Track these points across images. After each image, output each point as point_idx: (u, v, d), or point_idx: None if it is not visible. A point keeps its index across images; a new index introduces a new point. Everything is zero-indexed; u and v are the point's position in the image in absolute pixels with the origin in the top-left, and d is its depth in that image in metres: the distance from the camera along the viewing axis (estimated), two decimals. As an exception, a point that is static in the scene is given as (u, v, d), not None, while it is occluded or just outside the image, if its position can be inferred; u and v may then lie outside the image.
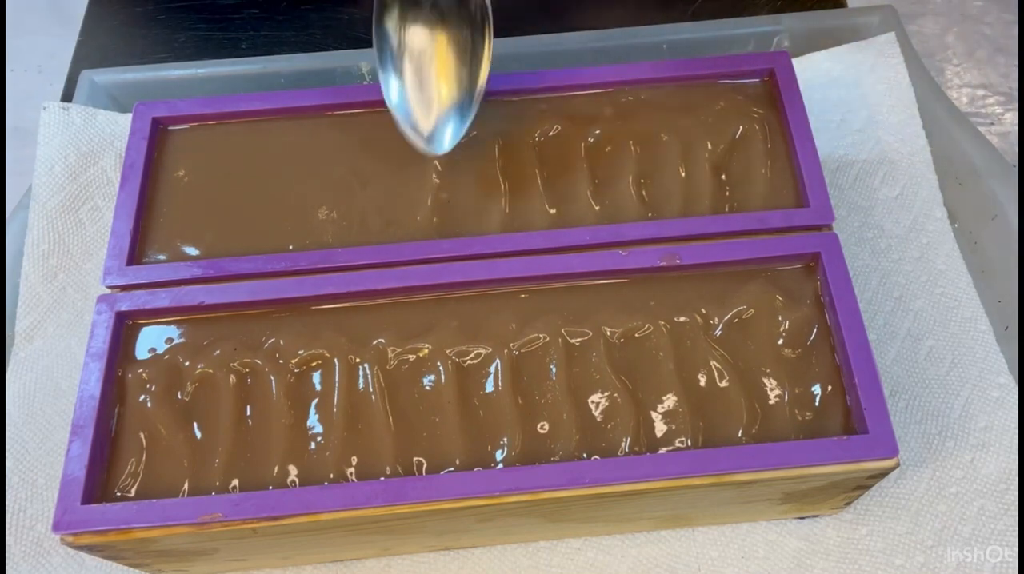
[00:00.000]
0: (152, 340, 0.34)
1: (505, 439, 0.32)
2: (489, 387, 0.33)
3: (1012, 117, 0.51)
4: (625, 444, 0.32)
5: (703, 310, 0.34)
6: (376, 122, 0.39)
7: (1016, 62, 0.52)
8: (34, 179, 0.44)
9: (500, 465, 0.32)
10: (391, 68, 0.33)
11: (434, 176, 0.38)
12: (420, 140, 0.34)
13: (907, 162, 0.44)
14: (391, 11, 0.34)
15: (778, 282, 0.35)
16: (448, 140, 0.35)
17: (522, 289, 0.35)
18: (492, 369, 0.33)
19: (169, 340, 0.34)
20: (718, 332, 0.34)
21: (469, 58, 0.33)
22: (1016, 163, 0.48)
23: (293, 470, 0.32)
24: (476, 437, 0.32)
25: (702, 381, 0.33)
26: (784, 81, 0.39)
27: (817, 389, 0.33)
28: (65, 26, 0.54)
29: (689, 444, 0.32)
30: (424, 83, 0.33)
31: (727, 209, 0.37)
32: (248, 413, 0.33)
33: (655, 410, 0.33)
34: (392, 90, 0.34)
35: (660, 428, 0.32)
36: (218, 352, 0.34)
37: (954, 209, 0.43)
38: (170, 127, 0.39)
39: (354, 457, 0.32)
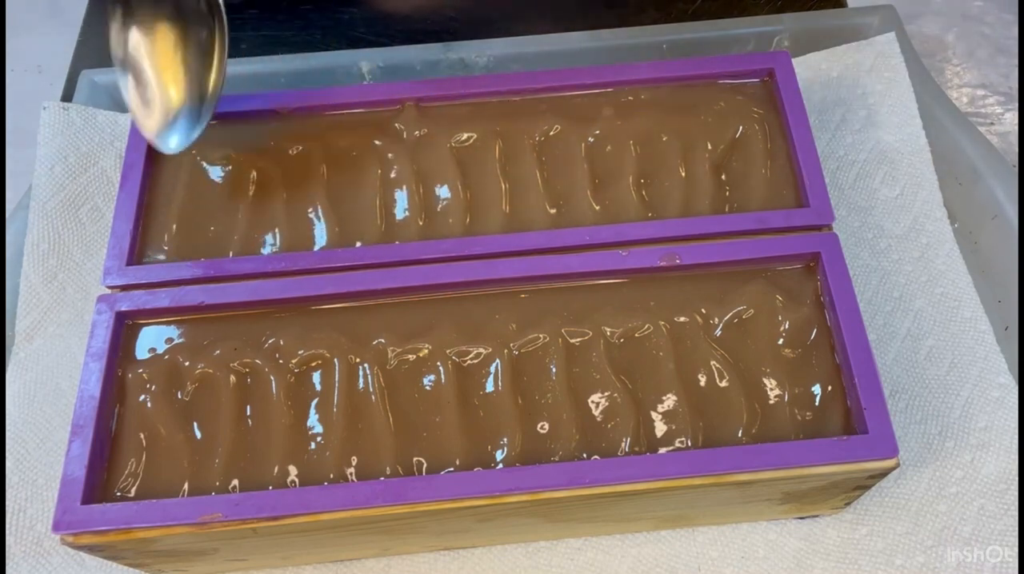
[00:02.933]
0: (152, 340, 0.34)
1: (505, 439, 0.32)
2: (489, 387, 0.33)
3: (1012, 117, 0.51)
4: (625, 444, 0.32)
5: (703, 310, 0.34)
6: (376, 122, 0.39)
7: (1016, 62, 0.52)
8: (34, 179, 0.44)
9: (500, 465, 0.32)
10: (122, 69, 0.33)
11: (434, 176, 0.38)
12: (152, 139, 0.33)
13: (907, 162, 0.44)
14: (117, 11, 0.33)
15: (778, 282, 0.35)
16: (175, 142, 0.33)
17: (522, 289, 0.35)
18: (492, 369, 0.33)
19: (169, 340, 0.34)
20: (718, 332, 0.34)
21: (201, 62, 0.33)
22: (1016, 163, 0.48)
23: (293, 470, 0.32)
24: (476, 437, 0.32)
25: (702, 381, 0.33)
26: (784, 81, 0.39)
27: (817, 389, 0.33)
28: (65, 26, 0.54)
29: (689, 444, 0.32)
30: (147, 85, 0.32)
31: (727, 209, 0.37)
32: (248, 413, 0.33)
33: (655, 410, 0.33)
34: (124, 90, 0.33)
35: (660, 428, 0.32)
36: (218, 352, 0.34)
37: (954, 209, 0.43)
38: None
39: (354, 457, 0.32)
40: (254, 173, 0.38)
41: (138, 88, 0.32)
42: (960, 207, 0.43)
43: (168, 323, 0.35)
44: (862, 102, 0.46)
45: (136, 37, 0.33)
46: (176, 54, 0.33)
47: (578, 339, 0.34)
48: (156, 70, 0.33)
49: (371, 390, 0.33)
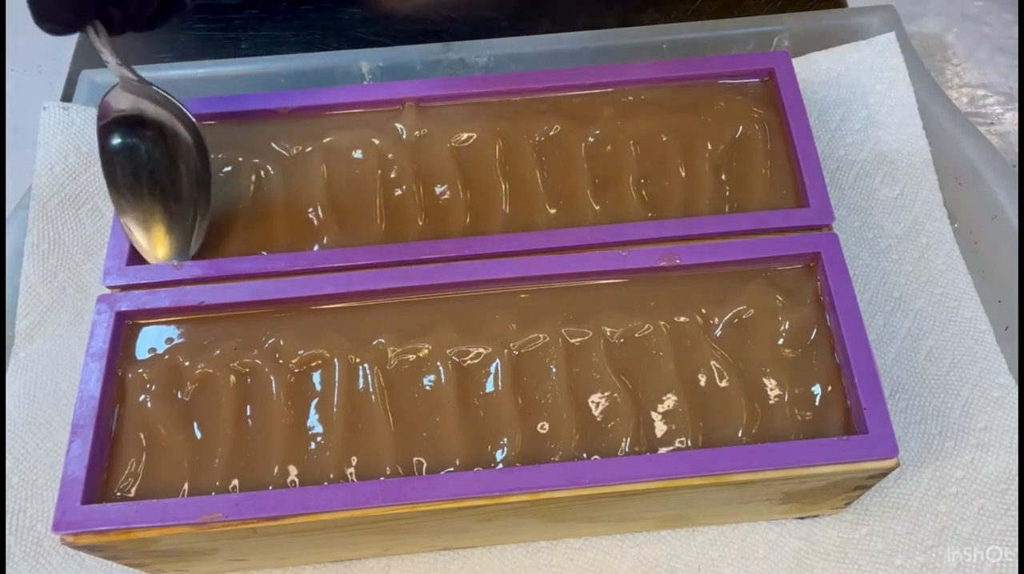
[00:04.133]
0: (152, 340, 0.34)
1: (505, 439, 0.32)
2: (489, 387, 0.33)
3: (1012, 117, 0.51)
4: (625, 444, 0.32)
5: (703, 310, 0.34)
6: (376, 122, 0.39)
7: (1016, 62, 0.52)
8: (34, 179, 0.44)
9: (500, 465, 0.32)
10: (118, 214, 0.36)
11: (434, 176, 0.38)
12: (150, 258, 0.36)
13: (907, 162, 0.44)
14: (105, 161, 0.35)
15: (778, 282, 0.35)
16: (176, 262, 0.36)
17: (522, 289, 0.35)
18: (492, 369, 0.33)
19: (169, 340, 0.34)
20: (718, 332, 0.34)
21: (191, 196, 0.36)
22: (1016, 163, 0.48)
23: (293, 470, 0.32)
24: (476, 437, 0.32)
25: (702, 381, 0.33)
26: (784, 81, 0.39)
27: (817, 389, 0.33)
28: (65, 26, 0.54)
29: (689, 444, 0.32)
30: (142, 236, 0.36)
31: (727, 209, 0.37)
32: (248, 413, 0.33)
33: (655, 410, 0.33)
34: (125, 227, 0.36)
35: (660, 428, 0.32)
36: (218, 352, 0.34)
37: (954, 209, 0.43)
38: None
39: (354, 457, 0.32)
40: (254, 173, 0.38)
41: (139, 234, 0.36)
42: (960, 207, 0.43)
43: (168, 323, 0.35)
44: (862, 102, 0.46)
45: (129, 192, 0.35)
46: (166, 205, 0.36)
47: (578, 339, 0.34)
48: (148, 225, 0.36)
49: (371, 390, 0.33)
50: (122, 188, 0.35)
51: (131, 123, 0.35)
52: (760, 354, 0.33)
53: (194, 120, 0.36)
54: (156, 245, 0.36)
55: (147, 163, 0.36)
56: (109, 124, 0.35)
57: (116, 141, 0.35)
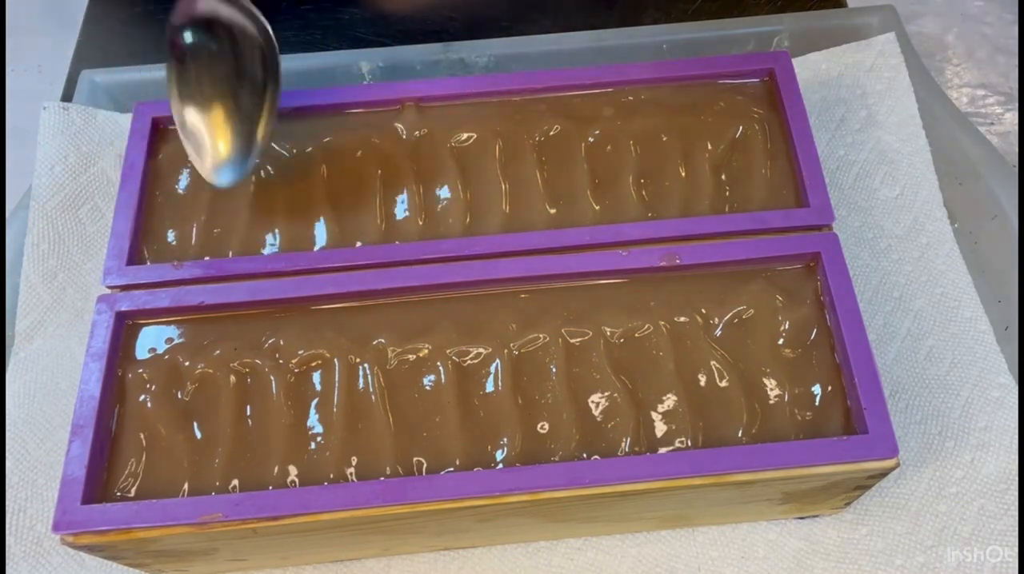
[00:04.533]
0: (152, 340, 0.34)
1: (505, 439, 0.32)
2: (489, 387, 0.33)
3: (1012, 117, 0.51)
4: (625, 444, 0.32)
5: (703, 310, 0.34)
6: (376, 122, 0.39)
7: (1016, 62, 0.52)
8: (34, 179, 0.44)
9: (500, 465, 0.32)
10: (176, 113, 0.35)
11: (434, 176, 0.38)
12: (207, 177, 0.36)
13: (907, 162, 0.44)
14: (172, 58, 0.35)
15: (778, 282, 0.35)
16: (226, 182, 0.35)
17: (522, 289, 0.35)
18: (492, 369, 0.33)
19: (169, 340, 0.34)
20: (718, 332, 0.34)
21: (252, 105, 0.36)
22: (1016, 163, 0.48)
23: (293, 470, 0.32)
24: (476, 437, 0.32)
25: (702, 381, 0.33)
26: (784, 81, 0.39)
27: (817, 389, 0.33)
28: (65, 26, 0.54)
29: (689, 444, 0.32)
30: (199, 135, 0.35)
31: (727, 209, 0.37)
32: (248, 413, 0.33)
33: (655, 410, 0.33)
34: (183, 138, 0.36)
35: (660, 428, 0.32)
36: (218, 352, 0.34)
37: (954, 209, 0.43)
38: (170, 127, 0.39)
39: (354, 457, 0.32)
40: (254, 173, 0.38)
41: (193, 137, 0.35)
42: (960, 207, 0.43)
43: (168, 323, 0.35)
44: (862, 102, 0.46)
45: (191, 90, 0.35)
46: (228, 104, 0.35)
47: (578, 339, 0.34)
48: (209, 122, 0.35)
49: (371, 390, 0.33)
50: (188, 90, 0.35)
51: (203, 25, 0.35)
52: (760, 354, 0.33)
53: (269, 28, 0.36)
54: (217, 146, 0.35)
55: (216, 67, 0.36)
56: (183, 24, 0.35)
57: (188, 41, 0.35)
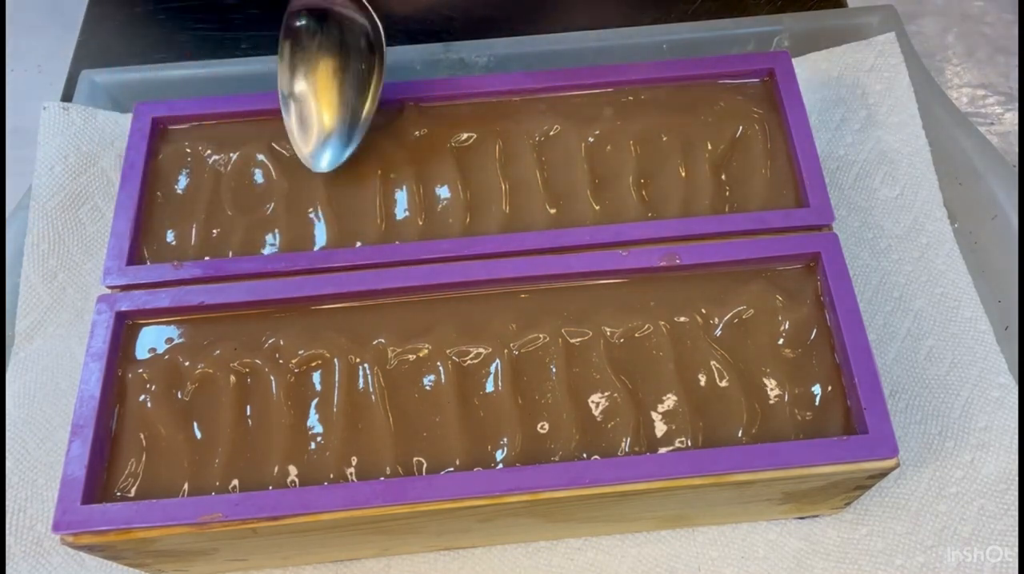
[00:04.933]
0: (152, 340, 0.34)
1: (505, 439, 0.32)
2: (489, 387, 0.33)
3: (1012, 117, 0.51)
4: (625, 444, 0.32)
5: (703, 310, 0.34)
6: (376, 122, 0.39)
7: (1016, 62, 0.52)
8: (34, 179, 0.44)
9: (500, 465, 0.32)
10: (285, 97, 0.38)
11: (434, 176, 0.38)
12: (305, 159, 0.37)
13: (907, 162, 0.44)
14: (286, 45, 0.38)
15: (778, 282, 0.35)
16: (326, 162, 0.37)
17: (522, 289, 0.35)
18: (492, 369, 0.33)
19: (169, 340, 0.34)
20: (718, 332, 0.34)
21: (357, 91, 0.38)
22: (1016, 163, 0.48)
23: (293, 470, 0.32)
24: (476, 437, 0.32)
25: (702, 381, 0.33)
26: (784, 81, 0.39)
27: (817, 389, 0.33)
28: (65, 26, 0.54)
29: (689, 444, 0.32)
30: (307, 112, 0.38)
31: (727, 209, 0.37)
32: (248, 413, 0.33)
33: (655, 410, 0.33)
34: (286, 116, 0.38)
35: (660, 428, 0.32)
36: (218, 352, 0.34)
37: (954, 209, 0.43)
38: (170, 127, 0.39)
39: (354, 457, 0.32)
40: (254, 173, 0.38)
41: (299, 114, 0.38)
42: (960, 207, 0.43)
43: (168, 323, 0.35)
44: (862, 102, 0.46)
45: (302, 69, 0.38)
46: (335, 85, 0.38)
47: (578, 339, 0.34)
48: (316, 99, 0.38)
49: (371, 390, 0.33)
50: (297, 75, 0.38)
51: (317, 13, 0.38)
52: (760, 354, 0.33)
53: (377, 20, 0.38)
54: (321, 130, 0.37)
55: (325, 54, 0.38)
56: (299, 11, 0.38)
57: (301, 26, 0.38)
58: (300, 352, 0.34)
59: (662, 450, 0.32)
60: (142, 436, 0.33)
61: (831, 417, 0.32)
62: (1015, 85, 0.52)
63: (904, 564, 0.35)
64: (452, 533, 0.34)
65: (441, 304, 0.35)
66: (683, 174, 0.37)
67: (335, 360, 0.34)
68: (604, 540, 0.37)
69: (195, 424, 0.33)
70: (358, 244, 0.36)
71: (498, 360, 0.33)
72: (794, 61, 0.40)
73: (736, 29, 0.48)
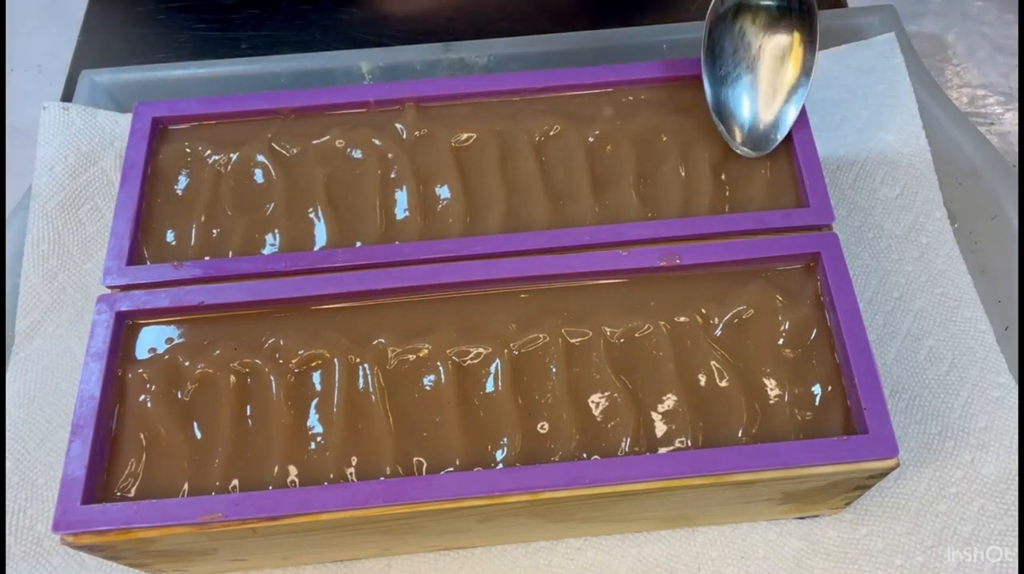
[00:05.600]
0: (152, 340, 0.34)
1: (505, 439, 0.32)
2: (489, 387, 0.33)
3: (1012, 117, 0.51)
4: (625, 444, 0.32)
5: (703, 310, 0.34)
6: (376, 122, 0.39)
7: (1016, 62, 0.52)
8: (34, 179, 0.44)
9: (500, 465, 0.32)
10: (714, 73, 0.38)
11: (434, 176, 0.38)
12: (734, 145, 0.37)
13: (907, 162, 0.44)
14: (723, 23, 0.38)
15: (778, 282, 0.35)
16: (763, 145, 0.37)
17: (522, 289, 0.35)
18: (492, 369, 0.33)
19: (169, 340, 0.34)
20: (718, 332, 0.34)
21: (791, 64, 0.37)
22: (1016, 163, 0.48)
23: (293, 470, 0.32)
24: (476, 437, 0.32)
25: (702, 381, 0.33)
26: (784, 81, 0.39)
27: (817, 389, 0.33)
28: (65, 26, 0.54)
29: (689, 444, 0.32)
30: (739, 95, 0.37)
31: (727, 209, 0.37)
32: (248, 413, 0.33)
33: (655, 410, 0.33)
34: (712, 95, 0.38)
35: (660, 428, 0.32)
36: (218, 352, 0.34)
37: (954, 209, 0.43)
38: (170, 127, 0.39)
39: (354, 457, 0.32)
40: (254, 173, 0.38)
41: (728, 116, 0.37)
42: (960, 207, 0.43)
43: (168, 323, 0.35)
44: (863, 102, 0.46)
45: (733, 68, 0.38)
46: (763, 87, 0.37)
47: (578, 339, 0.34)
48: (747, 101, 0.37)
49: (371, 390, 0.33)
50: (725, 66, 0.37)
51: (744, 11, 0.38)
52: (760, 354, 0.33)
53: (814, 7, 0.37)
54: (749, 120, 0.37)
55: (753, 53, 0.37)
56: (725, 12, 0.38)
57: (728, 26, 0.38)
58: (300, 352, 0.34)
59: (662, 450, 0.32)
60: (142, 436, 0.33)
61: (831, 417, 0.32)
62: (1015, 85, 0.52)
63: (904, 564, 0.35)
64: (452, 533, 0.34)
65: (441, 304, 0.35)
66: (683, 174, 0.37)
67: (335, 360, 0.34)
68: (604, 540, 0.37)
69: (195, 424, 0.33)
70: (358, 244, 0.36)
71: (498, 360, 0.33)
72: (794, 61, 0.40)
73: (736, 29, 0.48)
